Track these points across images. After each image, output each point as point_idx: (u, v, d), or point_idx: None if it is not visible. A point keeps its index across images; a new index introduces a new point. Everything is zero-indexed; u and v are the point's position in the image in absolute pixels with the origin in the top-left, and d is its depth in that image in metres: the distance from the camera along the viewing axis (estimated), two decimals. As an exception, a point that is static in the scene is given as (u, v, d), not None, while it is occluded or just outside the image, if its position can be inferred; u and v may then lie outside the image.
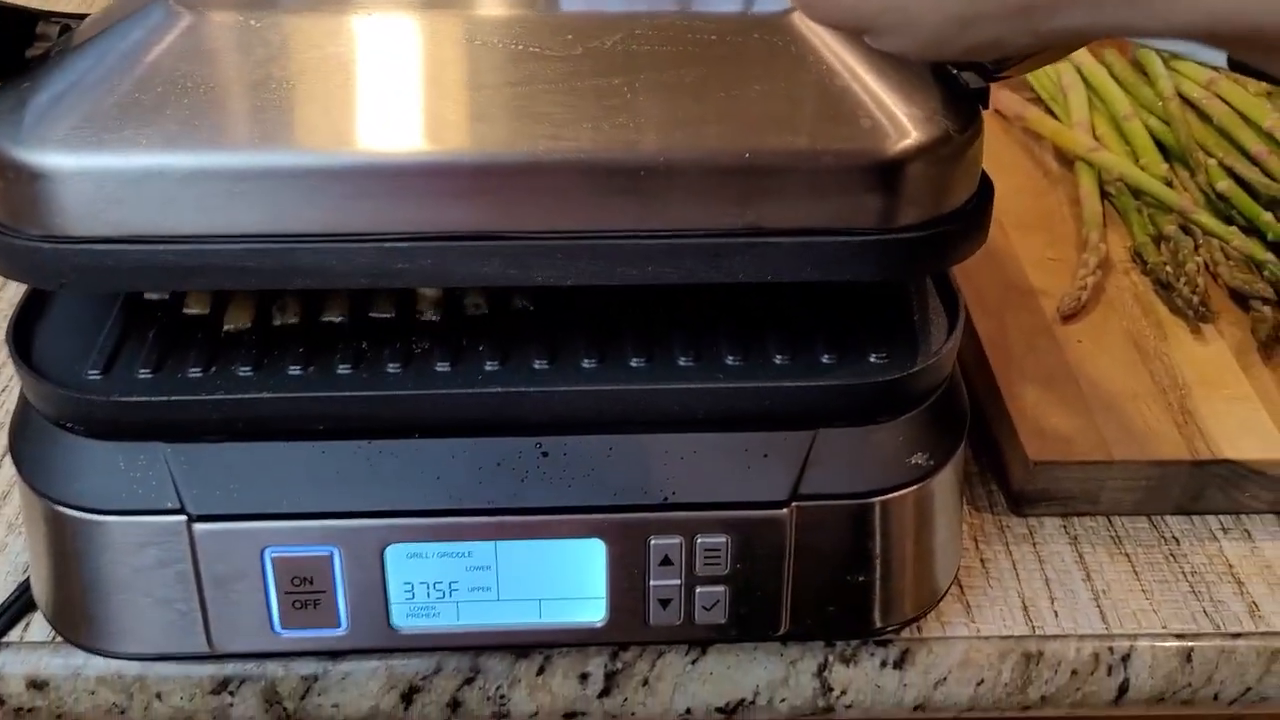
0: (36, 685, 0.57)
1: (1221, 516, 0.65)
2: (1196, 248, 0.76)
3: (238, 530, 0.53)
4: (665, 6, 0.52)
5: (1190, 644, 0.59)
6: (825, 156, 0.48)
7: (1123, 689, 0.59)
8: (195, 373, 0.53)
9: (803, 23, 0.50)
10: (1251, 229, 0.78)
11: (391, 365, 0.53)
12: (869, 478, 0.55)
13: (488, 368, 0.53)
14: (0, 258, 0.49)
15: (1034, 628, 0.60)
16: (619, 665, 0.58)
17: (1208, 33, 0.41)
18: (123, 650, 0.56)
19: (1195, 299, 0.72)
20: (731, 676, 0.58)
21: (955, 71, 0.53)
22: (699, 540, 0.54)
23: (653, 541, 0.54)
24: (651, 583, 0.55)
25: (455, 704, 0.58)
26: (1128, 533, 0.64)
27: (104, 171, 0.47)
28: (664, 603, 0.55)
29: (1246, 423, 0.66)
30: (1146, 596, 0.61)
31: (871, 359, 0.54)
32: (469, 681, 0.58)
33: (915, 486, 0.55)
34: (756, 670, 0.58)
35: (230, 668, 0.57)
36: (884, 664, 0.59)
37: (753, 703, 0.59)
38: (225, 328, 0.55)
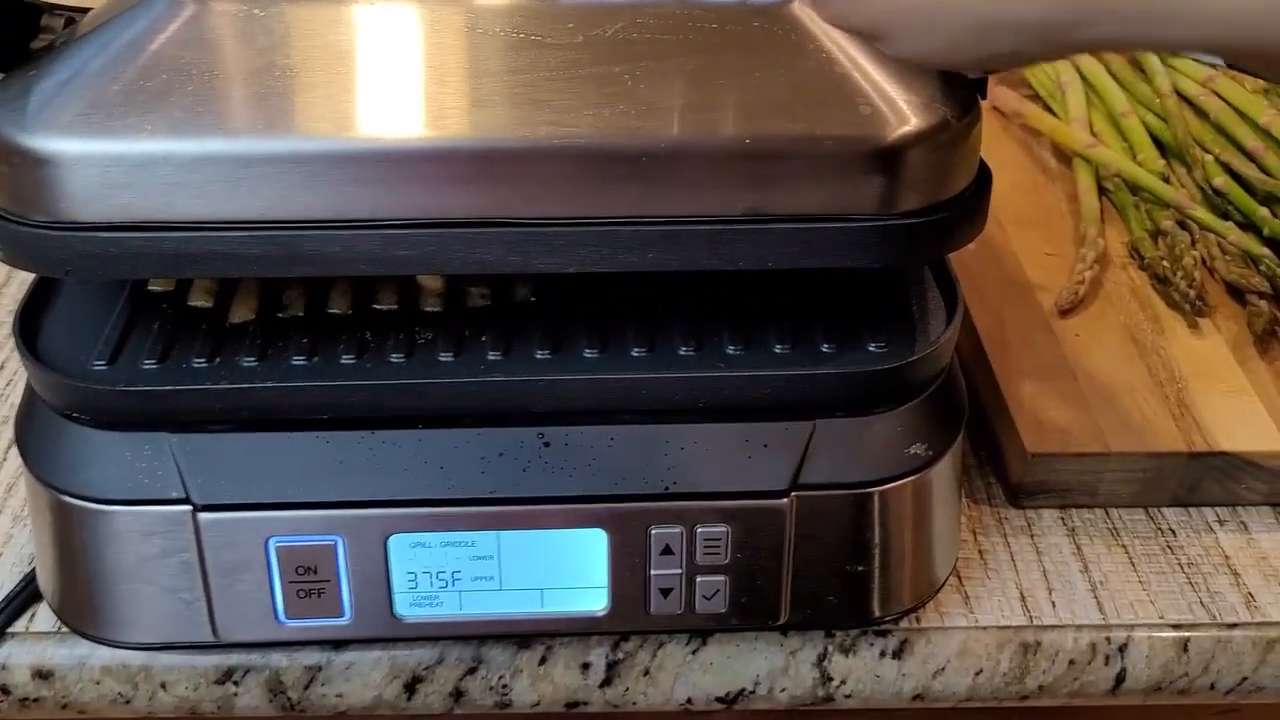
0: (42, 675, 0.57)
1: (1218, 508, 0.66)
2: (1193, 243, 0.77)
3: (242, 520, 0.53)
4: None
5: (1187, 634, 0.60)
6: (825, 143, 0.48)
7: (1120, 679, 0.60)
8: (200, 363, 0.53)
9: (803, 11, 0.51)
10: (1248, 224, 0.78)
11: (395, 355, 0.53)
12: (868, 467, 0.55)
13: (490, 358, 0.53)
14: (5, 245, 0.49)
15: (1032, 618, 0.60)
16: (620, 655, 0.58)
17: (1222, 48, 0.41)
18: (128, 640, 0.56)
19: (1192, 293, 0.73)
20: (732, 666, 0.59)
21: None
22: (699, 530, 0.54)
23: (653, 531, 0.54)
24: (652, 572, 0.55)
25: (458, 694, 0.58)
26: (1125, 524, 0.65)
27: (109, 157, 0.47)
28: (665, 592, 0.55)
29: (1242, 415, 0.66)
30: (1143, 587, 0.61)
31: (871, 348, 0.54)
32: (471, 671, 0.58)
33: (914, 476, 0.56)
34: (757, 660, 0.59)
35: (235, 658, 0.57)
36: (883, 654, 0.59)
37: (753, 692, 0.59)
38: (230, 319, 0.55)
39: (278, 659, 0.57)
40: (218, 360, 0.53)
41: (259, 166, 0.47)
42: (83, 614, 0.56)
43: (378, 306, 0.56)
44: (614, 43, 0.50)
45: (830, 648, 0.59)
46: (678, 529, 0.54)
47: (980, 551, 0.63)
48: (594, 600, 0.56)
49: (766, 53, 0.50)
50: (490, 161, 0.48)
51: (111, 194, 0.48)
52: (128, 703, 0.58)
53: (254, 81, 0.49)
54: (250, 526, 0.53)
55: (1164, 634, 0.60)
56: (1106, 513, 0.65)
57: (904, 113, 0.49)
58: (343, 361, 0.53)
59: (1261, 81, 0.86)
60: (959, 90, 0.51)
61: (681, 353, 0.54)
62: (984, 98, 0.53)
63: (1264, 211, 0.78)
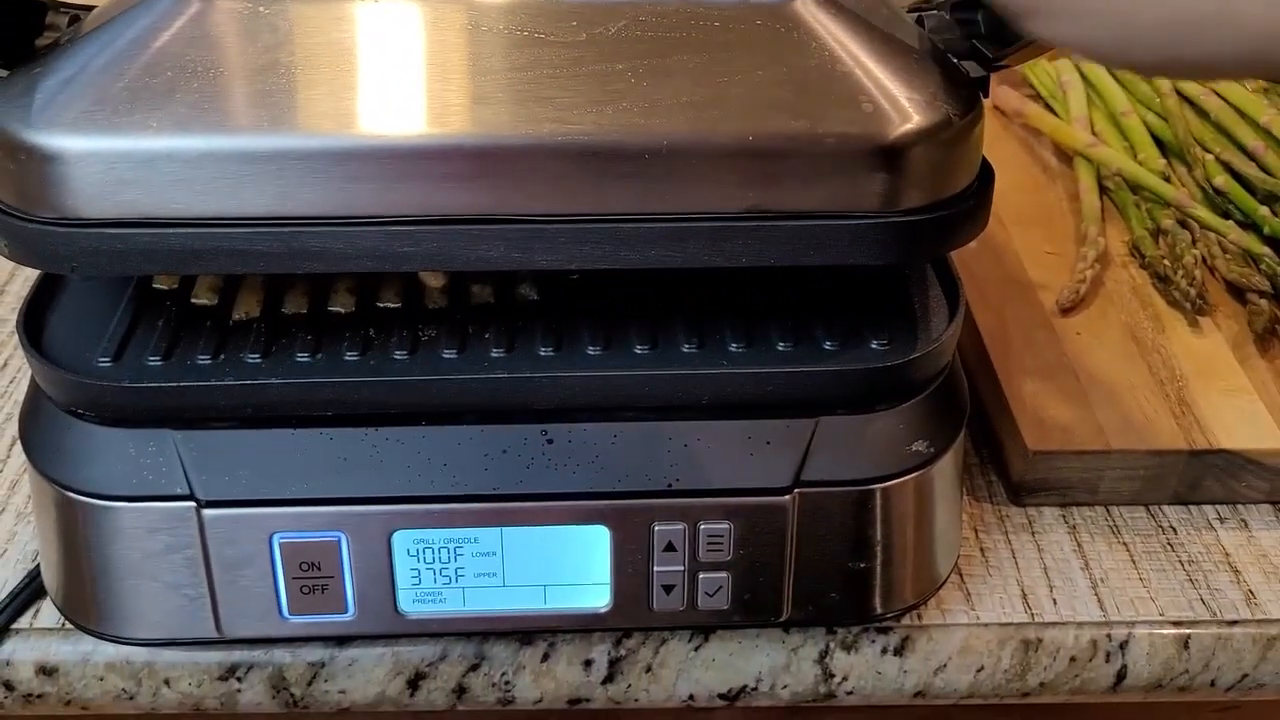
0: (46, 671, 0.58)
1: (1218, 506, 0.66)
2: (1194, 242, 0.77)
3: (246, 516, 0.53)
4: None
5: (1187, 631, 0.60)
6: (827, 140, 0.48)
7: (1120, 676, 0.60)
8: (204, 359, 0.53)
9: (805, 8, 0.51)
10: (1248, 223, 0.78)
11: (399, 352, 0.54)
12: (870, 465, 0.55)
13: (494, 355, 0.54)
14: (11, 241, 0.49)
15: (1033, 615, 0.60)
16: (623, 652, 0.59)
17: None
18: (131, 636, 0.57)
19: (1193, 292, 0.73)
20: (734, 663, 0.59)
21: (956, 61, 0.53)
22: (702, 526, 0.54)
23: (656, 528, 0.54)
24: (655, 569, 0.55)
25: (461, 690, 0.59)
26: (1126, 522, 0.65)
27: (114, 153, 0.47)
28: (667, 588, 0.56)
29: (1243, 413, 0.66)
30: (1144, 585, 0.62)
31: (873, 345, 0.54)
32: (474, 668, 0.58)
33: (916, 474, 0.56)
34: (759, 657, 0.59)
35: (238, 654, 0.58)
36: (885, 651, 0.59)
37: (755, 689, 0.59)
38: (234, 316, 0.55)
39: (281, 655, 0.58)
40: (222, 357, 0.53)
41: (263, 163, 0.48)
42: (86, 610, 0.57)
43: (381, 304, 0.56)
44: (616, 40, 0.50)
45: (832, 644, 0.59)
46: (680, 526, 0.54)
47: (982, 549, 0.63)
48: (597, 597, 0.56)
49: (769, 50, 0.50)
50: (493, 159, 0.48)
51: (116, 190, 0.48)
52: (131, 699, 0.58)
53: (258, 78, 0.49)
54: (254, 523, 0.53)
55: (1165, 631, 0.60)
56: (1107, 510, 0.66)
57: (906, 110, 0.49)
58: (346, 358, 0.53)
59: (1262, 81, 0.86)
60: (961, 88, 0.51)
61: (684, 350, 0.54)
62: (986, 96, 0.53)
63: (1264, 210, 0.78)
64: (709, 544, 0.55)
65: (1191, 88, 0.88)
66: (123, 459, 0.53)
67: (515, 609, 0.56)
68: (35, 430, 0.55)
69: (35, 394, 0.55)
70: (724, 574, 0.55)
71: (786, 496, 0.54)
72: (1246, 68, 0.43)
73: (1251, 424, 0.66)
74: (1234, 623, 0.60)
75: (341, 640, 0.58)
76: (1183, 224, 0.78)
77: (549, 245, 0.49)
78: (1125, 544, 0.64)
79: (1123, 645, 0.59)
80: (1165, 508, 0.66)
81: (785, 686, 0.59)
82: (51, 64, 0.50)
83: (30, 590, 0.59)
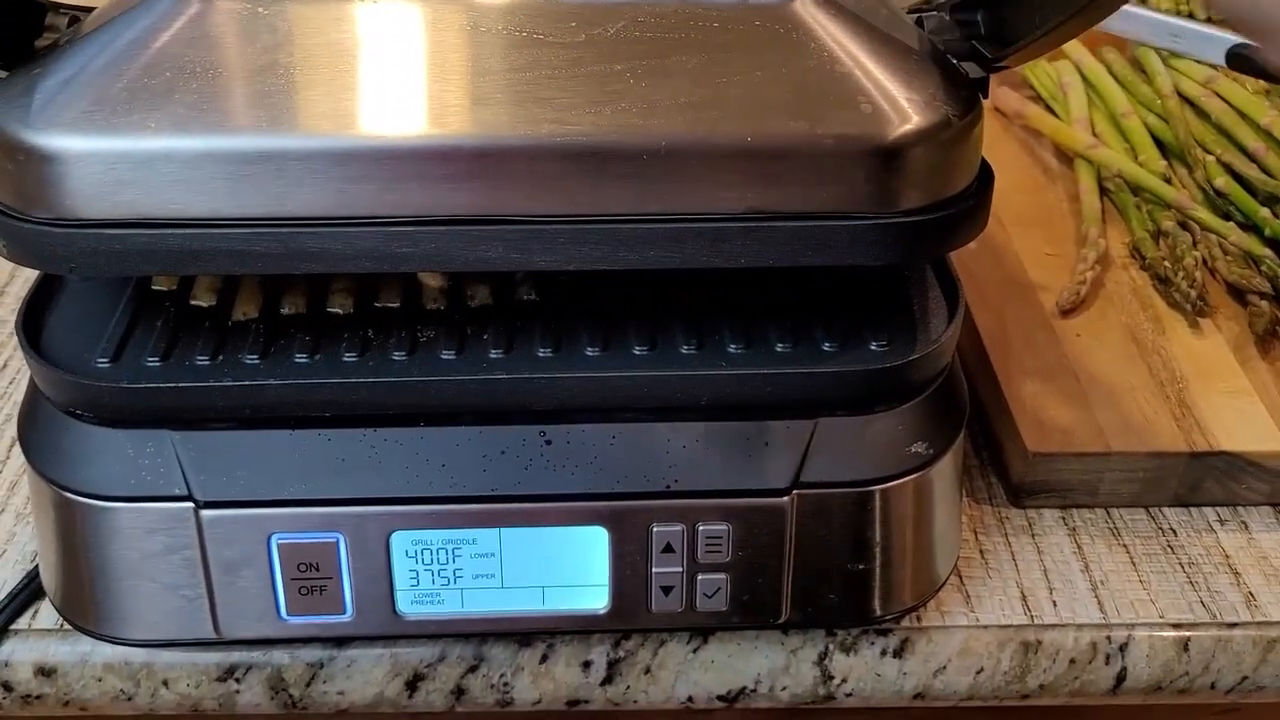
0: (44, 672, 0.58)
1: (1219, 508, 0.66)
2: (1195, 243, 0.77)
3: (244, 517, 0.53)
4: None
5: (1187, 634, 0.60)
6: (826, 141, 0.48)
7: (1120, 678, 0.60)
8: (203, 360, 0.53)
9: (804, 9, 0.51)
10: (1249, 225, 0.78)
11: (397, 353, 0.53)
12: (869, 466, 0.55)
13: (492, 355, 0.53)
14: (9, 242, 0.49)
15: (1032, 617, 0.60)
16: (621, 653, 0.58)
17: None
18: (130, 637, 0.56)
19: (1193, 293, 0.73)
20: (733, 664, 0.59)
21: (955, 62, 0.53)
22: (701, 528, 0.54)
23: (655, 529, 0.54)
24: (654, 570, 0.55)
25: (459, 691, 0.58)
26: (1126, 524, 0.65)
27: (113, 154, 0.47)
28: (666, 590, 0.55)
29: (1243, 415, 0.66)
30: (1144, 587, 0.62)
31: (872, 347, 0.54)
32: (473, 669, 0.58)
33: (915, 475, 0.56)
34: (758, 658, 0.59)
35: (236, 655, 0.57)
36: (884, 653, 0.59)
37: (754, 691, 0.59)
38: (233, 317, 0.55)
39: (279, 656, 0.58)
40: (220, 358, 0.53)
41: (262, 164, 0.47)
42: (85, 611, 0.56)
43: (380, 305, 0.56)
44: (615, 41, 0.50)
45: (831, 646, 0.59)
46: (679, 527, 0.54)
47: (981, 551, 0.63)
48: (595, 598, 0.56)
49: (768, 51, 0.50)
50: (491, 159, 0.48)
51: (115, 191, 0.48)
52: (129, 700, 0.58)
53: (257, 79, 0.49)
54: (252, 523, 0.53)
55: (1164, 633, 0.60)
56: (1107, 512, 0.65)
57: (905, 111, 0.49)
58: (345, 359, 0.53)
59: (1263, 82, 0.86)
60: (961, 89, 0.51)
61: (683, 351, 0.54)
62: (986, 96, 0.53)
63: (1265, 212, 0.78)
64: (708, 545, 0.55)
65: (1192, 89, 0.87)
66: (121, 459, 0.53)
67: (513, 610, 0.56)
68: (33, 431, 0.55)
69: (34, 395, 0.55)
70: (723, 575, 0.55)
71: (785, 498, 0.54)
72: None
73: (1252, 426, 0.66)
74: (1234, 625, 0.60)
75: (340, 641, 0.58)
76: (1183, 225, 0.78)
77: (547, 246, 0.49)
78: (1125, 546, 0.64)
79: (1123, 647, 0.59)
80: (1165, 510, 0.66)
81: (784, 688, 0.59)
82: (51, 64, 0.50)
83: (29, 591, 0.59)
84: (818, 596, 0.57)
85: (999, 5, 0.54)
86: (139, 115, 0.48)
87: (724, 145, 0.48)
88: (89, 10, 0.56)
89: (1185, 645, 0.59)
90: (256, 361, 0.53)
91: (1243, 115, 0.84)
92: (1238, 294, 0.75)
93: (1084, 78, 0.91)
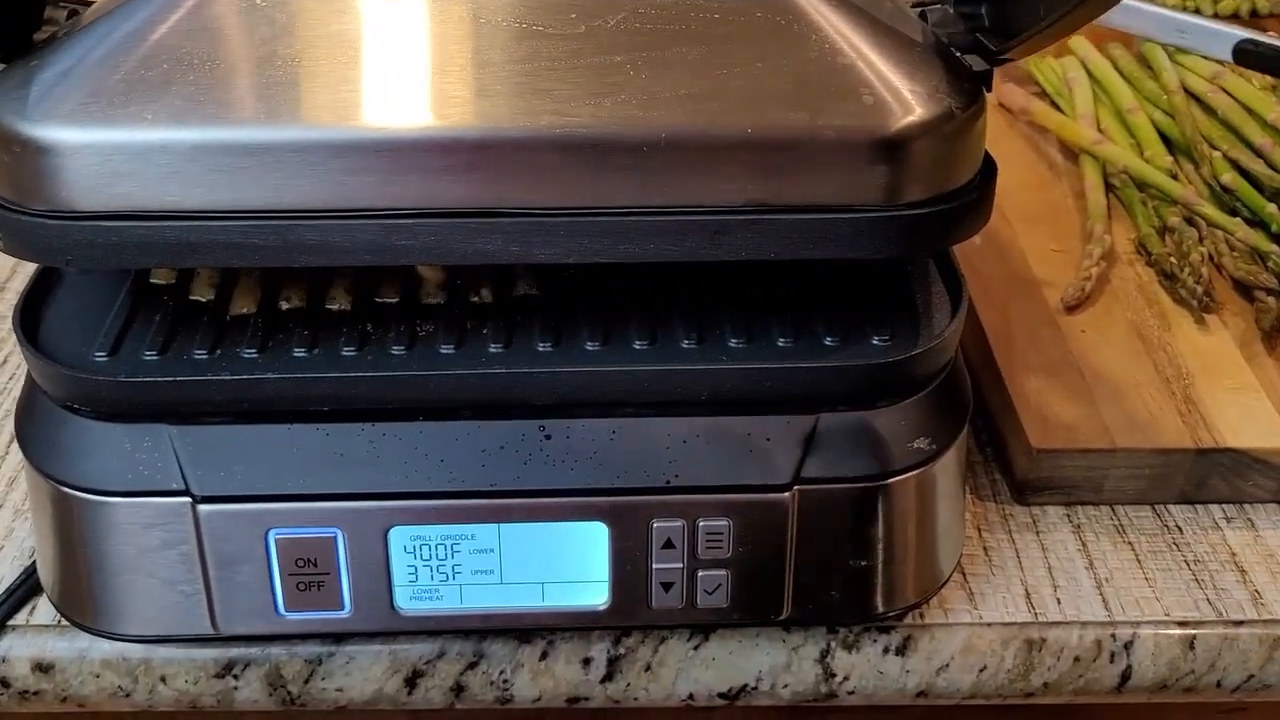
0: (42, 668, 0.57)
1: (1224, 505, 0.65)
2: (1201, 239, 0.76)
3: (242, 512, 0.53)
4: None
5: (1193, 632, 0.59)
6: (828, 132, 0.48)
7: (1125, 676, 0.59)
8: (201, 354, 0.53)
9: (806, 0, 0.50)
10: (1256, 221, 0.78)
11: (396, 347, 0.53)
12: (872, 461, 0.54)
13: (491, 350, 0.53)
14: (5, 234, 0.49)
15: (1037, 615, 0.59)
16: (622, 650, 0.58)
17: None
18: (127, 632, 0.56)
19: (1199, 289, 0.73)
20: (734, 662, 0.58)
21: (959, 55, 0.53)
22: (701, 523, 0.54)
23: (655, 525, 0.54)
24: (654, 566, 0.55)
25: (459, 688, 0.58)
26: (1131, 521, 0.64)
27: (110, 145, 0.47)
28: (666, 586, 0.55)
29: (1250, 412, 0.66)
30: (1149, 584, 0.61)
31: (875, 341, 0.54)
32: (472, 666, 0.58)
33: (918, 471, 0.55)
34: (759, 656, 0.58)
35: (234, 651, 0.57)
36: (886, 650, 0.59)
37: (755, 688, 0.59)
38: (231, 311, 0.55)
39: (278, 652, 0.57)
40: (218, 352, 0.53)
41: (259, 155, 0.47)
42: (82, 606, 0.56)
43: (379, 299, 0.56)
44: (616, 32, 0.50)
45: (833, 643, 0.58)
46: (679, 523, 0.54)
47: (985, 548, 0.63)
48: (595, 594, 0.55)
49: (769, 42, 0.50)
50: (491, 151, 0.48)
51: (112, 183, 0.47)
52: (127, 696, 0.58)
53: (255, 71, 0.49)
54: (250, 518, 0.53)
55: (1170, 631, 0.59)
56: (1112, 510, 0.65)
57: (908, 102, 0.49)
58: (343, 353, 0.53)
59: (1270, 78, 0.86)
60: (964, 81, 0.51)
61: (683, 345, 0.54)
62: (989, 90, 0.53)
63: (1272, 208, 0.77)
64: (708, 541, 0.54)
65: (1199, 85, 0.87)
66: (118, 454, 0.53)
67: (513, 607, 0.56)
68: (30, 425, 0.55)
69: (31, 389, 0.55)
70: (723, 572, 0.55)
71: (787, 493, 0.54)
72: None
73: (1258, 422, 0.65)
74: (1240, 623, 0.59)
75: (338, 638, 0.58)
76: (1190, 221, 0.78)
77: (547, 238, 0.49)
78: (1130, 543, 0.63)
79: (1127, 645, 0.59)
80: (1171, 507, 0.65)
81: (786, 686, 0.59)
82: (48, 57, 0.50)
83: (27, 587, 0.59)
84: (819, 593, 0.56)
85: (1003, -2, 0.54)
86: (136, 107, 0.47)
87: (725, 137, 0.48)
88: (88, 3, 0.55)
89: (1191, 643, 0.59)
90: (255, 355, 0.53)
91: (1249, 111, 0.84)
92: (1244, 290, 0.74)
93: (1089, 73, 0.90)
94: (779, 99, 0.48)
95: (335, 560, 0.54)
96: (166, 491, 0.53)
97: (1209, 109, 0.86)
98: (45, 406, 0.54)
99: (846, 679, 0.59)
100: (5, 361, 0.73)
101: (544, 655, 0.58)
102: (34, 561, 0.59)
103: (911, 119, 0.48)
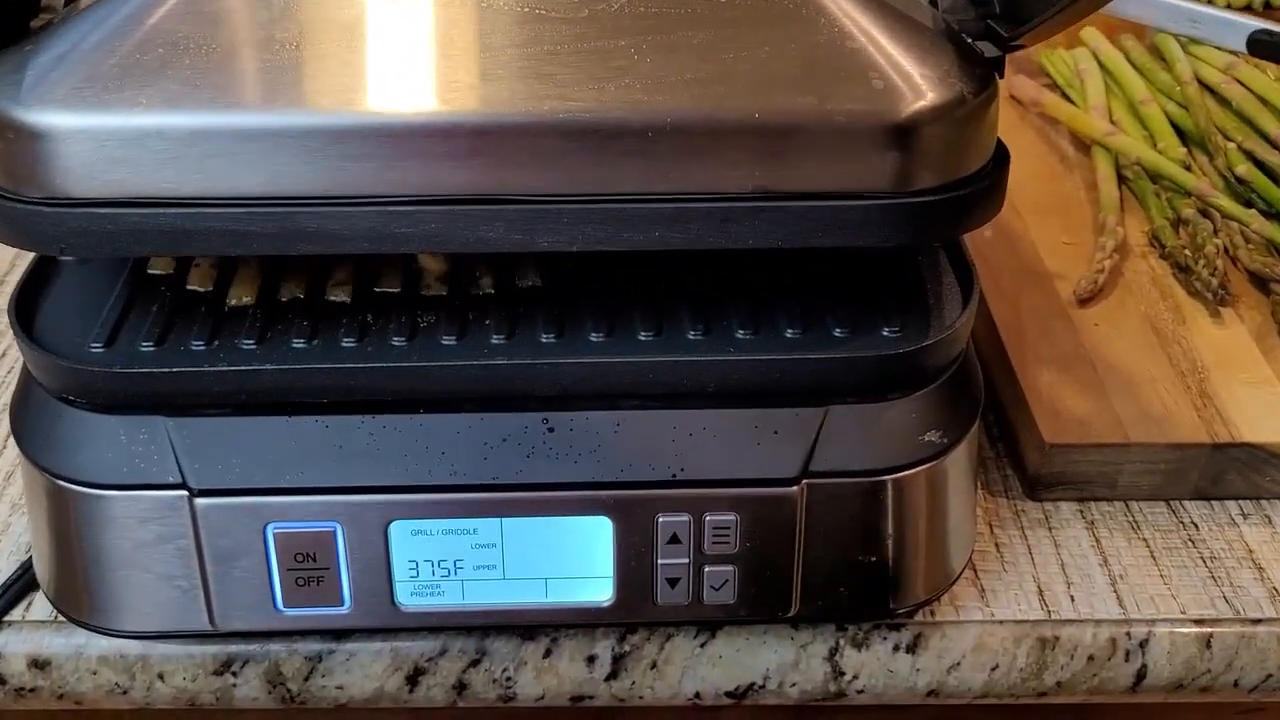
0: (38, 665, 0.57)
1: (1241, 501, 0.64)
2: (1215, 231, 0.75)
3: (240, 505, 0.52)
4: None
5: (1210, 630, 0.58)
6: (836, 117, 0.47)
7: (1140, 675, 0.58)
8: (198, 345, 0.52)
9: None
10: (1271, 213, 0.77)
11: (397, 339, 0.52)
12: (881, 455, 0.54)
13: (494, 341, 0.53)
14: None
15: (1050, 612, 0.59)
16: (627, 648, 0.57)
17: None
18: (124, 628, 0.56)
19: (1214, 281, 0.72)
20: (741, 660, 0.58)
21: (970, 41, 0.52)
22: (708, 518, 0.53)
23: (661, 519, 0.53)
24: (659, 561, 0.54)
25: (461, 686, 0.57)
26: (1145, 517, 0.63)
27: (105, 131, 0.46)
28: (672, 582, 0.54)
29: (1267, 406, 0.65)
30: (1165, 581, 0.60)
31: (885, 332, 0.53)
32: (475, 663, 0.57)
33: (929, 464, 0.54)
34: (766, 654, 0.58)
35: (233, 647, 0.57)
36: (896, 648, 0.58)
37: (762, 686, 0.58)
38: (229, 302, 0.54)
39: (277, 649, 0.57)
40: (216, 343, 0.52)
41: (257, 141, 0.47)
42: (79, 602, 0.55)
43: (379, 289, 0.55)
44: (620, 16, 0.49)
45: (842, 641, 0.58)
46: (685, 517, 0.53)
47: (997, 544, 0.62)
48: (599, 590, 0.55)
49: (776, 25, 0.49)
50: (493, 137, 0.47)
51: (106, 169, 0.47)
52: (125, 693, 0.57)
53: (252, 55, 0.48)
54: (248, 512, 0.52)
55: (1186, 629, 0.58)
56: (1126, 505, 0.64)
57: (919, 87, 0.48)
58: (343, 345, 0.52)
59: (1285, 69, 0.85)
60: (976, 67, 0.50)
61: (690, 336, 0.53)
62: (1001, 76, 0.52)
63: (1288, 200, 0.76)
64: (715, 536, 0.53)
65: (1212, 75, 0.86)
66: (114, 446, 0.52)
67: (516, 603, 0.55)
68: (26, 418, 0.54)
69: (26, 381, 0.54)
70: (730, 567, 0.54)
71: (795, 487, 0.53)
72: None
73: (1275, 416, 0.64)
74: (1258, 621, 0.58)
75: (338, 634, 0.57)
76: (1204, 213, 0.77)
77: (550, 226, 0.48)
78: (1145, 540, 0.62)
79: (1143, 644, 0.58)
80: (1186, 503, 0.64)
81: (794, 684, 0.58)
82: (43, 42, 0.49)
83: (23, 582, 0.58)
84: (828, 590, 0.55)
85: (1015, -17, 0.53)
86: (130, 92, 0.47)
87: (731, 122, 0.47)
88: (84, -11, 0.55)
89: (1207, 642, 0.58)
90: (253, 346, 0.52)
91: (1264, 101, 0.83)
92: (1260, 282, 0.73)
93: (1101, 65, 0.89)
94: (787, 83, 0.48)
95: (335, 555, 0.53)
96: (163, 485, 0.52)
97: (1223, 100, 0.85)
98: (41, 398, 0.53)
99: (856, 677, 0.58)
100: (4, 355, 0.73)
101: (547, 653, 0.57)
102: (30, 556, 0.58)
103: (923, 104, 0.48)
